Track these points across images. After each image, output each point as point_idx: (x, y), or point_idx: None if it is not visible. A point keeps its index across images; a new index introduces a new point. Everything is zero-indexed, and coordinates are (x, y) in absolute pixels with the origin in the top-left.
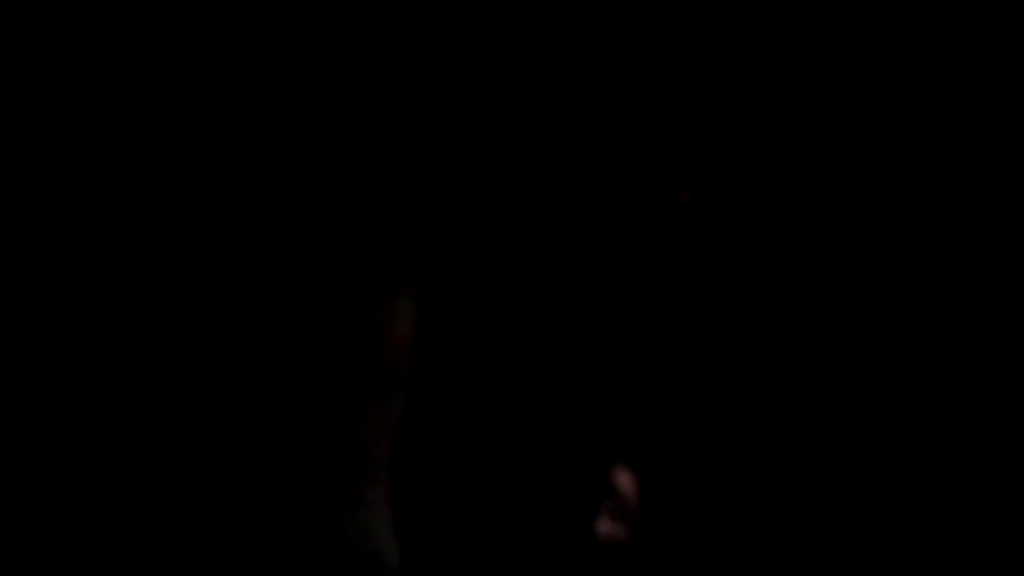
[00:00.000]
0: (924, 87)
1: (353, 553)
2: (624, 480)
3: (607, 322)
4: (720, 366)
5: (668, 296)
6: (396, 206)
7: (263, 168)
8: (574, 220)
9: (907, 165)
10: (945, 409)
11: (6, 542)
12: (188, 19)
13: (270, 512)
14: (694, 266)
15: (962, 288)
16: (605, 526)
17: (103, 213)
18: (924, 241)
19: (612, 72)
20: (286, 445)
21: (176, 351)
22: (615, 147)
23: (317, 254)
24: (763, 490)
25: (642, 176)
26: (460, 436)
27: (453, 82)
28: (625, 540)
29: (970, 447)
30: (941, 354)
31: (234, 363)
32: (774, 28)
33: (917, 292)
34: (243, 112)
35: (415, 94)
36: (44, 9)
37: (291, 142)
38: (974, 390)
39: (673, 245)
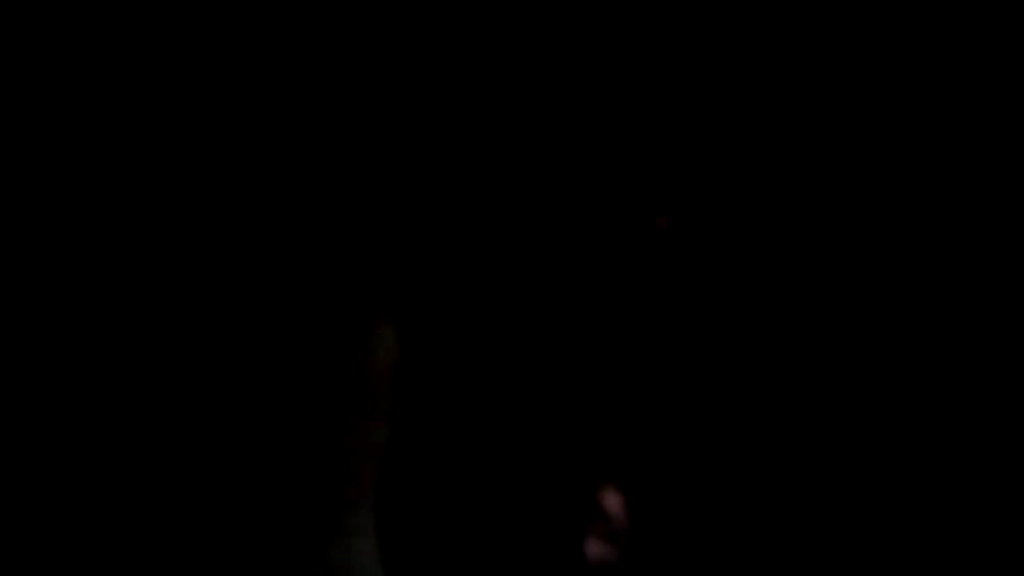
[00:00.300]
0: (909, 94)
1: None
2: (612, 501)
3: (591, 345)
4: (706, 387)
5: (650, 318)
6: (377, 233)
7: (247, 190)
8: (553, 246)
9: (898, 176)
10: (941, 411)
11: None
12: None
13: (251, 541)
14: (674, 288)
15: (959, 289)
16: (595, 548)
17: (80, 216)
18: (917, 249)
19: (588, 96)
20: (268, 472)
21: (155, 372)
22: (593, 172)
23: (299, 281)
24: (755, 511)
25: (621, 200)
26: (446, 462)
27: (428, 106)
28: (616, 562)
29: (966, 447)
30: (934, 356)
31: (215, 389)
32: (754, 47)
33: (910, 299)
34: (229, 127)
35: (392, 120)
36: (43, 9)
37: (276, 164)
38: (971, 390)
39: (653, 269)
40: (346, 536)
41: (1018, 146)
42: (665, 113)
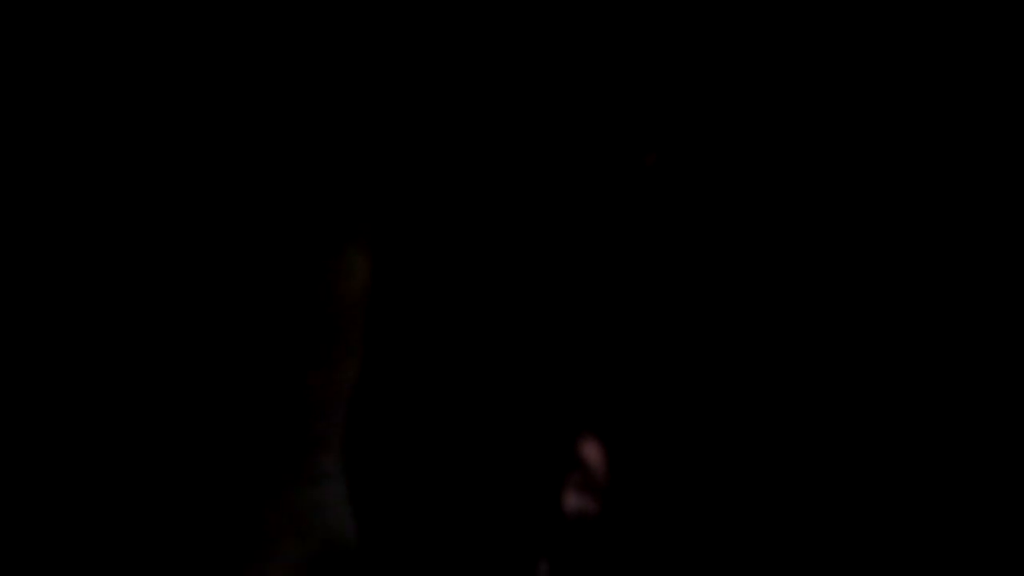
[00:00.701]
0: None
1: (303, 531)
2: (592, 451)
3: (573, 285)
4: (692, 334)
5: (636, 260)
6: (350, 151)
7: (212, 114)
8: (538, 177)
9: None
10: (936, 408)
11: None
12: None
13: (209, 486)
14: (662, 229)
15: (960, 285)
16: (572, 500)
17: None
18: (917, 231)
19: (576, 30)
20: (227, 412)
21: (112, 301)
22: (579, 106)
23: (264, 201)
24: (739, 464)
25: (607, 136)
26: (419, 401)
27: (411, 36)
28: (594, 514)
29: (965, 447)
30: (934, 351)
31: (171, 319)
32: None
33: (911, 281)
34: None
35: (372, 50)
36: (43, 8)
37: (245, 92)
38: (971, 389)
39: (640, 207)
40: (312, 481)
41: (1018, 146)
42: (652, 48)
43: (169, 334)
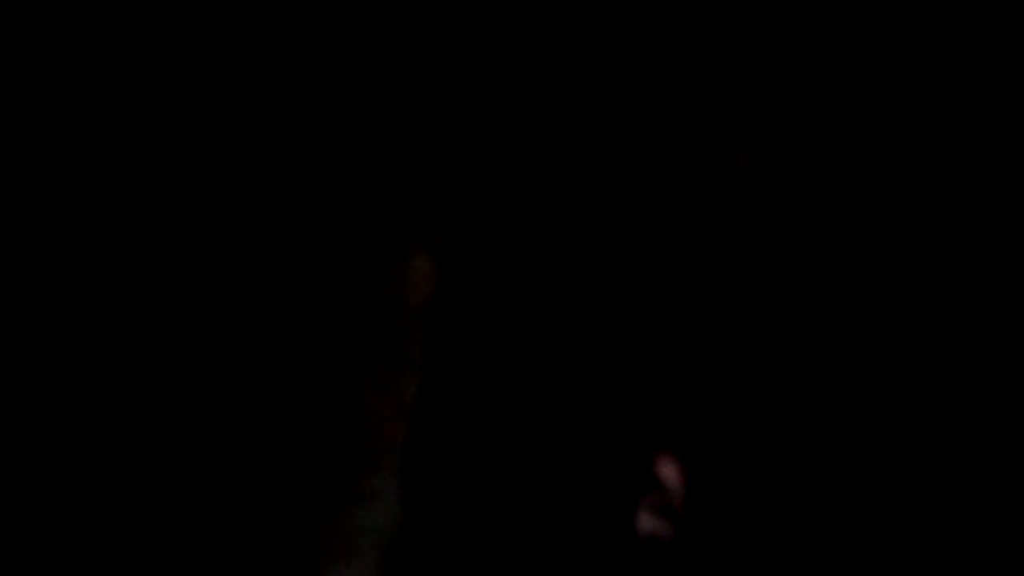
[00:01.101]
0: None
1: (351, 552)
2: (669, 473)
3: (654, 294)
4: (778, 346)
5: (724, 266)
6: (416, 154)
7: (278, 118)
8: (622, 178)
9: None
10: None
11: None
12: None
13: (265, 505)
14: (753, 234)
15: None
16: (646, 522)
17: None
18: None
19: (666, 30)
20: (284, 428)
21: (166, 305)
22: (670, 105)
23: (328, 205)
24: (813, 488)
25: (699, 137)
26: (483, 418)
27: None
28: (668, 538)
29: (967, 447)
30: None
31: (231, 331)
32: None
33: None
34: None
35: (433, 53)
36: (43, 8)
37: (307, 96)
38: (972, 389)
39: (732, 210)
40: (363, 500)
41: (1018, 146)
42: (743, 49)
43: (222, 342)
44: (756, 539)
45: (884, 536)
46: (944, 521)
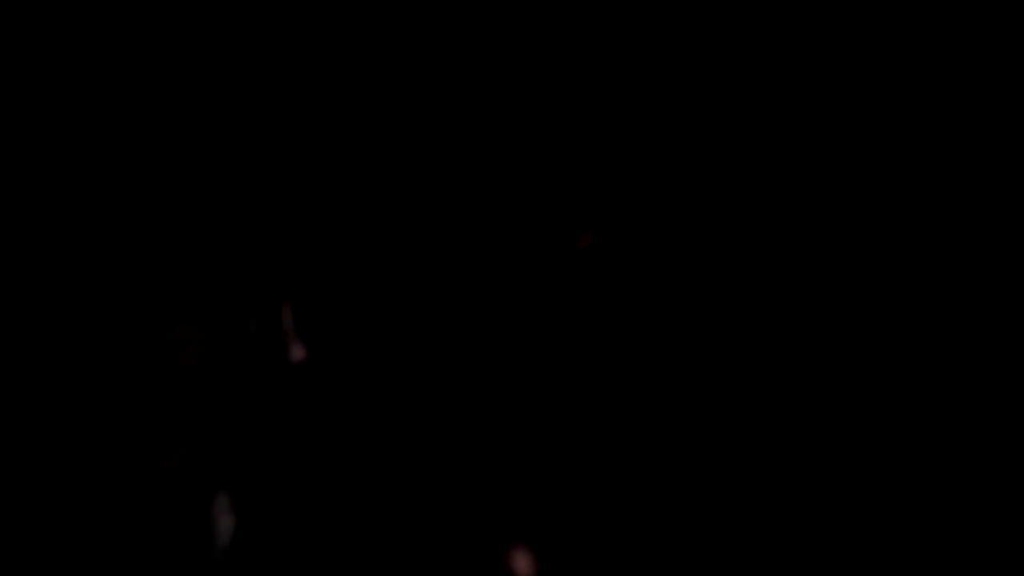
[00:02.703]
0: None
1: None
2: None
3: (506, 373)
4: (632, 408)
5: (569, 336)
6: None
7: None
8: (470, 262)
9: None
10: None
11: None
12: None
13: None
14: (595, 308)
15: (961, 288)
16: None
17: None
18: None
19: (511, 108)
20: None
21: None
22: (515, 189)
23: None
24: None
25: (542, 218)
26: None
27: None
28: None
29: (967, 447)
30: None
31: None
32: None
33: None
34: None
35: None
36: (43, 8)
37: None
38: (972, 389)
39: (574, 288)
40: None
41: (1018, 146)
42: (588, 131)
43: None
44: (756, 539)
45: (884, 536)
46: (944, 521)
